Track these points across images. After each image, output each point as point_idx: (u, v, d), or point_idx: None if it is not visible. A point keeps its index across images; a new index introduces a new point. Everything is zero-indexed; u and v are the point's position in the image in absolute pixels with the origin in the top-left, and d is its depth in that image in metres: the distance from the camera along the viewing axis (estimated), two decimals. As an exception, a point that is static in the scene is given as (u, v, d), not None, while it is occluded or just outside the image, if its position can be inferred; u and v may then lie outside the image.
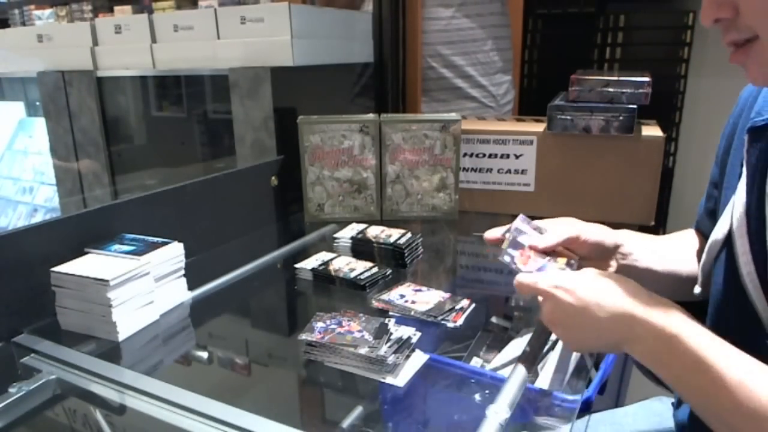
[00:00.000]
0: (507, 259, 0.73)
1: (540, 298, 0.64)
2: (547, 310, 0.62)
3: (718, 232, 0.64)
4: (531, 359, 0.65)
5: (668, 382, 0.55)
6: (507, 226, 0.76)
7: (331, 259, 1.01)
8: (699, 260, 0.79)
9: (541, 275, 0.65)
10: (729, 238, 0.62)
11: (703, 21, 0.53)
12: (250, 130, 1.33)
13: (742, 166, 0.63)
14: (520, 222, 0.76)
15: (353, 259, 1.01)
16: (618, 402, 1.30)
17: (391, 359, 0.67)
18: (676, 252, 0.80)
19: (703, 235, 0.80)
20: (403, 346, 0.70)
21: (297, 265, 0.99)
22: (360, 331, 0.73)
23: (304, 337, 0.72)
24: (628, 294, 0.57)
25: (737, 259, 0.60)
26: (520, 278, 0.66)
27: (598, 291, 0.58)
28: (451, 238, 1.26)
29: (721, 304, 0.64)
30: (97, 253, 0.83)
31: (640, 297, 0.57)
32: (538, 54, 2.28)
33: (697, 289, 0.69)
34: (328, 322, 0.76)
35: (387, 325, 0.74)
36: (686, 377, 0.53)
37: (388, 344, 0.69)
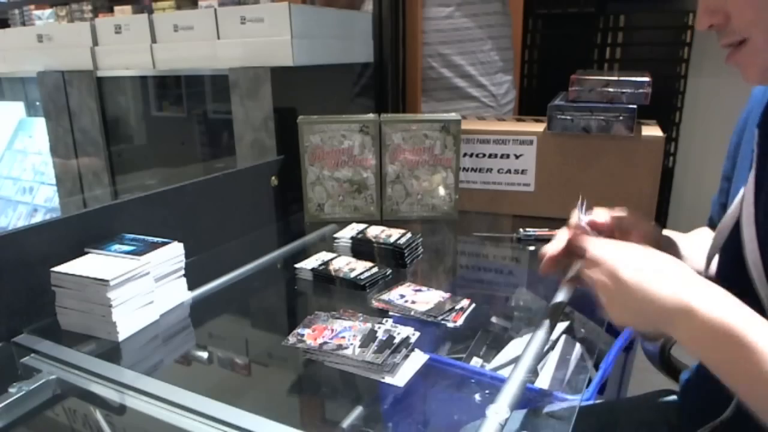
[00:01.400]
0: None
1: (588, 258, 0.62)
2: (596, 277, 0.59)
3: (726, 222, 0.66)
4: (534, 358, 0.64)
5: (711, 365, 0.53)
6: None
7: (331, 259, 1.01)
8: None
9: (595, 240, 0.63)
10: (737, 227, 0.64)
11: (698, 26, 0.59)
12: (250, 130, 1.33)
13: (752, 159, 0.64)
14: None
15: (353, 259, 1.01)
16: (618, 398, 1.30)
17: (374, 360, 0.67)
18: (692, 249, 0.80)
19: None
20: (399, 348, 0.70)
21: (297, 265, 0.99)
22: (353, 335, 0.73)
23: (290, 340, 0.72)
24: (686, 282, 0.54)
25: (744, 247, 0.61)
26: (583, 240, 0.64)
27: (657, 272, 0.56)
28: (451, 238, 1.26)
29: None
30: (97, 253, 0.83)
31: (698, 285, 0.54)
32: (538, 54, 2.28)
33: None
34: (317, 324, 0.76)
35: (376, 332, 0.74)
36: (737, 365, 0.50)
37: (374, 351, 0.69)
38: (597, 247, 0.61)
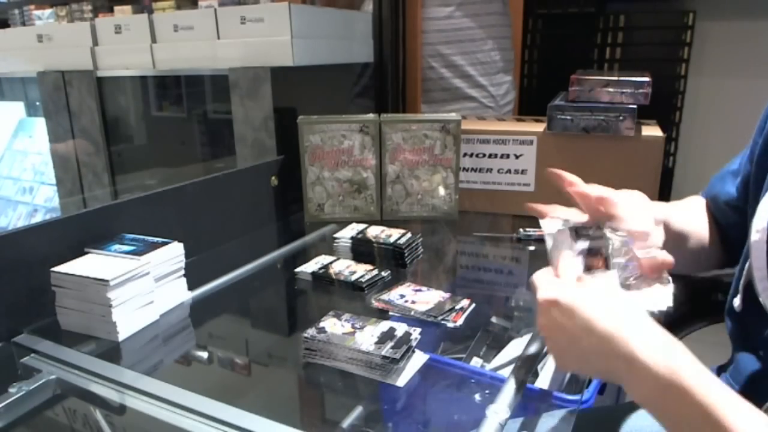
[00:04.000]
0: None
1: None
2: (542, 322, 0.57)
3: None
4: (529, 365, 0.64)
5: (668, 428, 0.50)
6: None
7: (331, 263, 1.01)
8: (710, 239, 0.77)
9: (545, 282, 0.59)
10: None
11: None
12: (250, 130, 1.33)
13: None
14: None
15: (353, 262, 1.01)
16: (618, 402, 1.30)
17: (396, 355, 0.67)
18: (691, 225, 0.78)
19: (713, 215, 0.79)
20: (408, 350, 0.70)
21: (297, 269, 0.99)
22: (370, 335, 0.73)
23: (310, 332, 0.71)
24: (630, 327, 0.51)
25: (753, 276, 0.58)
26: (535, 276, 0.60)
27: (598, 319, 0.52)
28: (451, 238, 1.26)
29: (758, 319, 0.62)
30: (97, 253, 0.83)
31: (643, 333, 0.50)
32: (538, 54, 2.28)
33: (737, 303, 0.65)
34: (335, 321, 0.75)
35: (394, 330, 0.73)
36: (691, 428, 0.47)
37: (392, 347, 0.69)
38: (545, 290, 0.57)
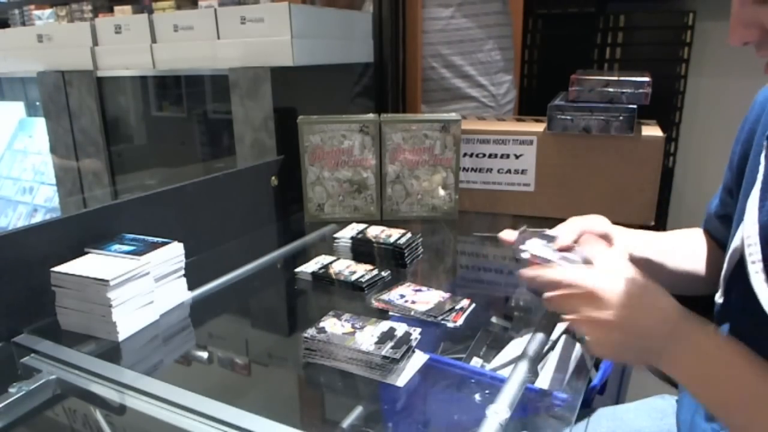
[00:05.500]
0: (525, 255, 0.73)
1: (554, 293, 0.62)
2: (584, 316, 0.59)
3: (739, 241, 0.62)
4: (534, 358, 0.64)
5: (706, 396, 0.55)
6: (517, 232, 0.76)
7: (331, 262, 1.01)
8: (708, 261, 0.78)
9: (570, 270, 0.63)
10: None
11: (732, 42, 0.54)
12: (250, 130, 1.33)
13: (758, 173, 0.61)
14: (528, 233, 0.76)
15: (353, 262, 1.01)
16: (618, 402, 1.30)
17: (396, 355, 0.67)
18: (678, 248, 0.79)
19: (712, 236, 0.80)
20: (408, 350, 0.70)
21: (297, 269, 0.99)
22: (370, 335, 0.73)
23: (309, 332, 0.71)
24: (669, 305, 0.57)
25: (748, 274, 0.57)
26: (547, 273, 0.65)
27: (638, 297, 0.57)
28: (451, 238, 1.26)
29: (739, 313, 0.63)
30: (97, 253, 0.83)
31: (679, 310, 0.56)
32: (538, 54, 2.28)
33: (719, 298, 0.67)
34: (335, 321, 0.75)
35: (394, 330, 0.73)
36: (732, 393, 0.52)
37: (392, 347, 0.69)
38: (573, 277, 0.61)
